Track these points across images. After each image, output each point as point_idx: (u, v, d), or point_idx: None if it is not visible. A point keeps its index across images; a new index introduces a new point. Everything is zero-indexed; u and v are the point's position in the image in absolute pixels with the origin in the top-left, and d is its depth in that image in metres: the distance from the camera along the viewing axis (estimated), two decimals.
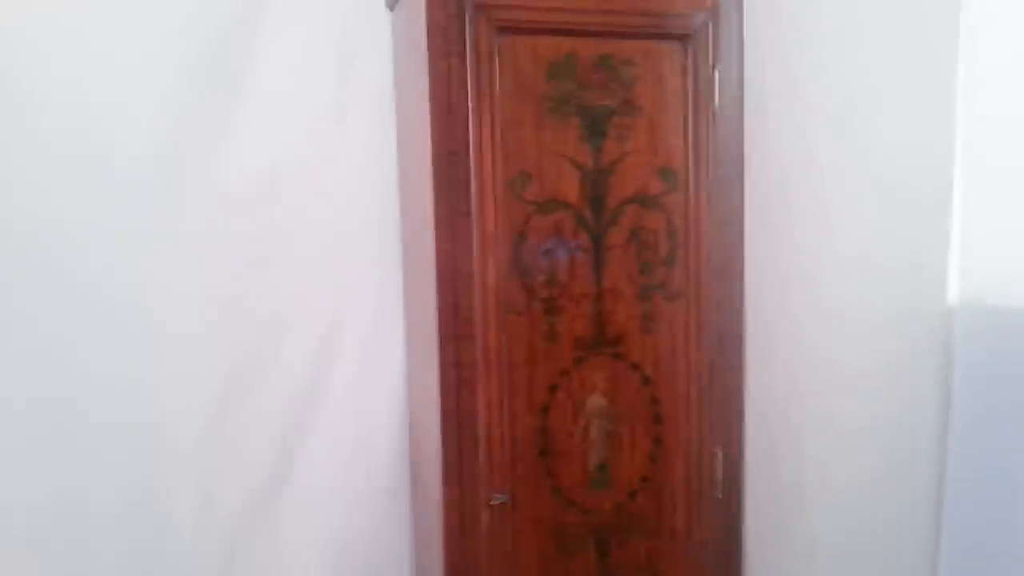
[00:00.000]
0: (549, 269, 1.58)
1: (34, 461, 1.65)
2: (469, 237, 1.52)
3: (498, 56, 1.52)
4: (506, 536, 1.59)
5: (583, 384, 1.63)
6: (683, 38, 1.61)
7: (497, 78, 1.51)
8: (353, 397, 1.93)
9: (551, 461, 1.61)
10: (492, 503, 1.56)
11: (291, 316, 1.87)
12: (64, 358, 1.67)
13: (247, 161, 1.79)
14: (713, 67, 1.62)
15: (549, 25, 1.53)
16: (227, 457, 1.81)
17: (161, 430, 1.76)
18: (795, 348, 2.14)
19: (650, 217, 1.63)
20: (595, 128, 1.58)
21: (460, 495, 1.54)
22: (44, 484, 1.66)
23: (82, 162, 1.65)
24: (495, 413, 1.56)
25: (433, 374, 1.54)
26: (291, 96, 1.82)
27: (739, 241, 1.69)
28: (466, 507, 1.55)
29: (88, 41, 1.64)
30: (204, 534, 1.80)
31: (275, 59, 1.79)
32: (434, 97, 1.49)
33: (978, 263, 2.11)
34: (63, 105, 1.63)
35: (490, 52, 1.50)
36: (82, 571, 1.71)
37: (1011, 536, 2.07)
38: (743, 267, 1.70)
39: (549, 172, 1.56)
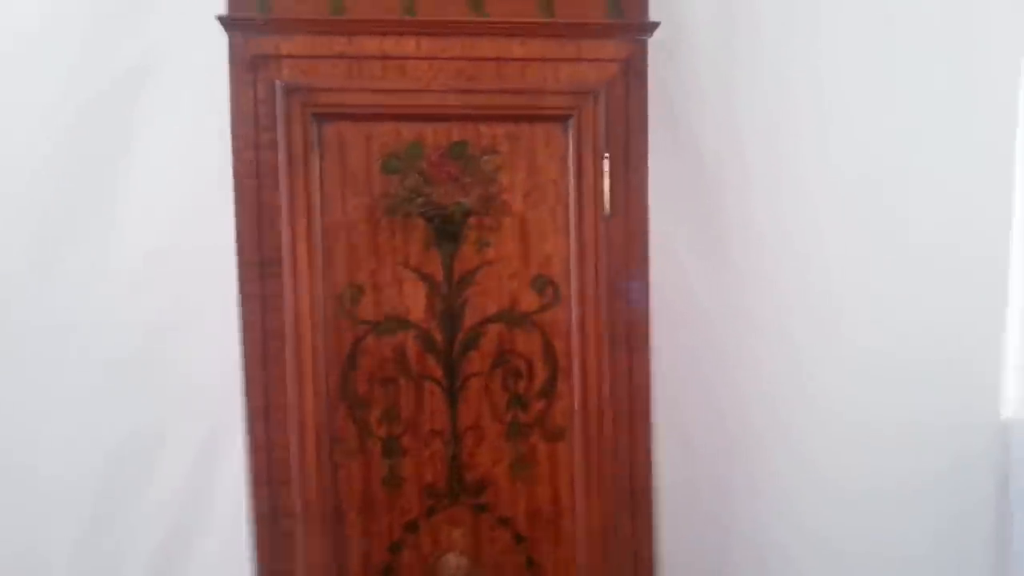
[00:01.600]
0: (388, 401, 1.30)
1: None
2: (282, 362, 1.26)
3: (321, 147, 1.26)
4: None
5: (436, 541, 1.32)
6: (562, 118, 1.30)
7: (318, 173, 1.25)
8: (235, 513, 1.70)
9: None
10: None
11: (170, 421, 1.66)
12: None
13: (128, 247, 1.62)
14: (602, 154, 1.30)
15: (384, 109, 1.26)
16: None
17: (31, 552, 1.61)
18: (817, 465, 1.77)
19: (521, 338, 1.32)
20: (446, 231, 1.29)
21: None
22: None
23: None
24: None
25: (243, 528, 1.28)
26: (174, 176, 1.63)
27: (644, 365, 1.34)
28: None
29: None
30: None
31: (156, 134, 1.61)
32: (240, 197, 1.25)
33: None
34: None
35: (308, 142, 1.24)
36: None
37: None
38: (648, 398, 1.35)
39: (388, 285, 1.29)
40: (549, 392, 1.33)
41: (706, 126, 1.71)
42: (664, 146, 1.63)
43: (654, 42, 1.31)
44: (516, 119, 1.29)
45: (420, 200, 1.28)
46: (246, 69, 1.23)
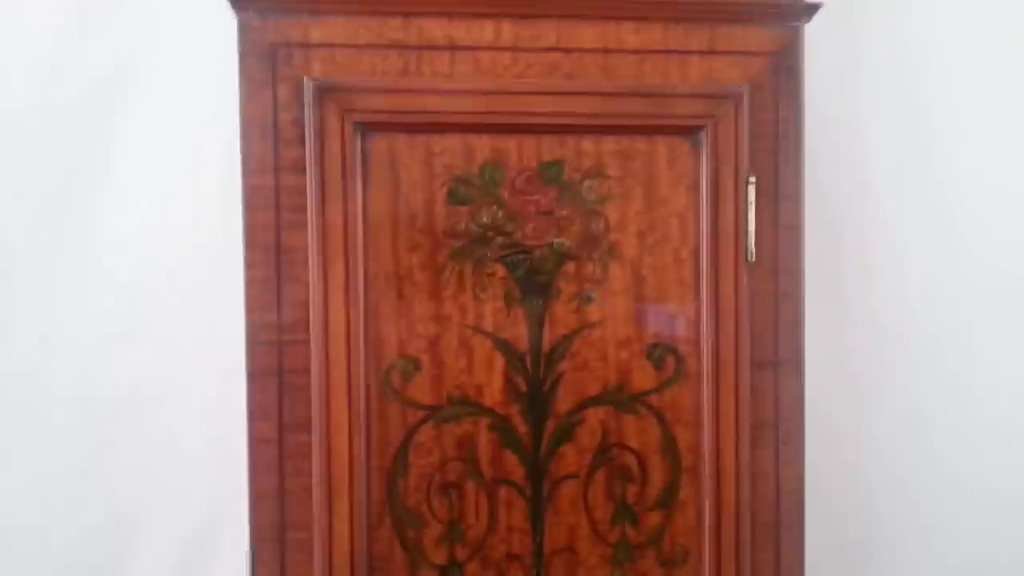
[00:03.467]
0: (449, 516, 0.95)
1: None
2: (307, 469, 0.91)
3: (364, 168, 0.91)
4: None
5: None
6: (691, 131, 0.95)
7: (360, 204, 0.91)
8: None
9: None
10: None
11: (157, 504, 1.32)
12: None
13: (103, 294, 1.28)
14: (746, 178, 0.95)
15: (451, 117, 0.92)
16: None
17: None
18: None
19: (633, 427, 0.97)
20: (534, 283, 0.94)
21: None
22: None
23: None
24: None
25: None
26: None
27: (796, 464, 0.99)
28: None
29: None
30: None
31: (137, 152, 1.28)
32: (251, 237, 0.90)
33: None
34: None
35: (348, 162, 0.90)
36: None
37: None
38: (802, 508, 1.00)
39: (452, 356, 0.94)
40: (669, 501, 0.98)
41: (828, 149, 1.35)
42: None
43: None
44: (630, 131, 0.95)
45: (499, 240, 0.94)
46: (263, 63, 0.89)
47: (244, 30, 0.89)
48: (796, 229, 0.98)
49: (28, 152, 1.24)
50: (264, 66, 0.90)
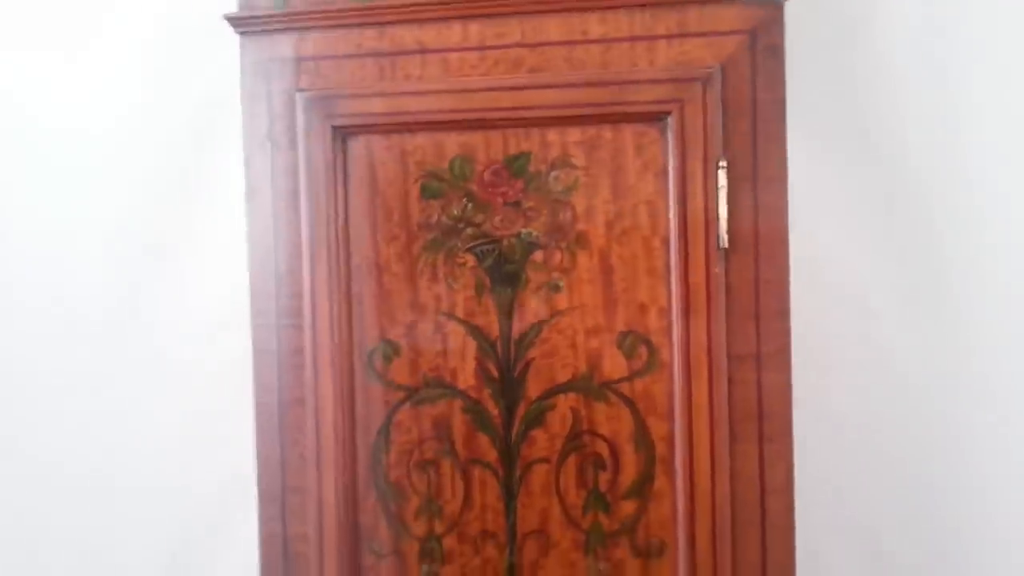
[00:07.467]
0: (428, 491, 1.01)
1: None
2: (302, 440, 1.01)
3: (345, 168, 1.00)
4: None
5: None
6: (658, 116, 0.94)
7: (343, 202, 1.00)
8: None
9: None
10: None
11: None
12: None
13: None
14: (716, 163, 0.93)
15: (420, 116, 0.98)
16: None
17: None
18: None
19: (604, 414, 0.97)
20: (503, 272, 0.98)
21: None
22: None
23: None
24: None
25: None
26: None
27: (784, 461, 0.95)
28: None
29: None
30: None
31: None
32: (253, 233, 1.02)
33: None
34: None
35: (331, 165, 0.99)
36: None
37: None
38: (790, 508, 0.95)
39: (429, 341, 1.00)
40: (643, 491, 0.97)
41: (912, 116, 1.24)
42: (850, 145, 1.22)
43: None
44: (595, 121, 0.96)
45: (469, 232, 0.98)
46: (258, 77, 1.01)
47: (243, 51, 1.01)
48: (778, 213, 0.94)
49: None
50: (260, 81, 1.01)
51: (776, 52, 0.93)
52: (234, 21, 1.00)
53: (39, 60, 1.44)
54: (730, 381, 0.94)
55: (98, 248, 1.44)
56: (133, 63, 1.41)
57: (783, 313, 0.94)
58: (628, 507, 0.98)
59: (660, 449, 0.97)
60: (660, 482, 0.97)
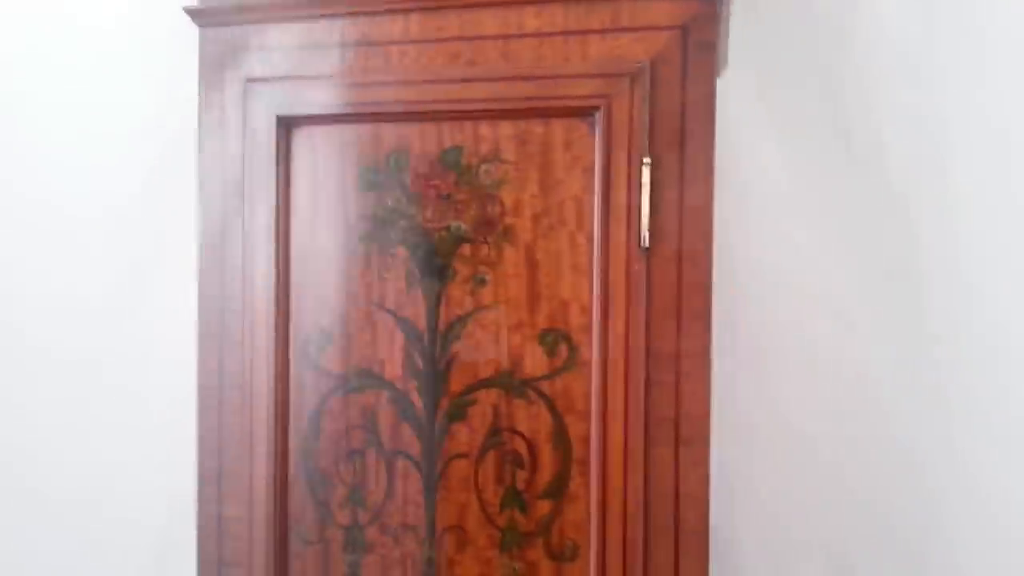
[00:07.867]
0: (353, 480, 1.02)
1: None
2: (235, 420, 1.04)
3: (288, 158, 1.03)
4: None
5: None
6: (587, 112, 0.94)
7: (284, 192, 1.03)
8: None
9: None
10: None
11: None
12: None
13: None
14: (641, 159, 0.91)
15: (358, 108, 1.00)
16: None
17: None
18: None
19: (523, 412, 0.96)
20: (431, 265, 0.99)
21: None
22: None
23: None
24: None
25: None
26: None
27: (699, 467, 0.91)
28: None
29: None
30: None
31: None
32: (204, 220, 1.06)
33: None
34: None
35: (274, 154, 1.02)
36: None
37: None
38: (705, 514, 0.92)
39: (360, 331, 1.01)
40: (559, 492, 0.95)
41: (892, 122, 1.20)
42: (829, 142, 1.19)
43: None
44: (526, 115, 0.95)
45: (402, 224, 0.99)
46: (214, 67, 1.04)
47: (201, 42, 1.05)
48: (704, 213, 0.91)
49: None
50: (215, 71, 1.05)
51: (708, 49, 0.91)
52: (193, 13, 1.05)
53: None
54: (648, 383, 0.92)
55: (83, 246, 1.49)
56: (103, 56, 1.46)
57: (705, 315, 0.91)
58: (544, 507, 0.96)
59: (578, 449, 0.95)
60: (576, 483, 0.95)
